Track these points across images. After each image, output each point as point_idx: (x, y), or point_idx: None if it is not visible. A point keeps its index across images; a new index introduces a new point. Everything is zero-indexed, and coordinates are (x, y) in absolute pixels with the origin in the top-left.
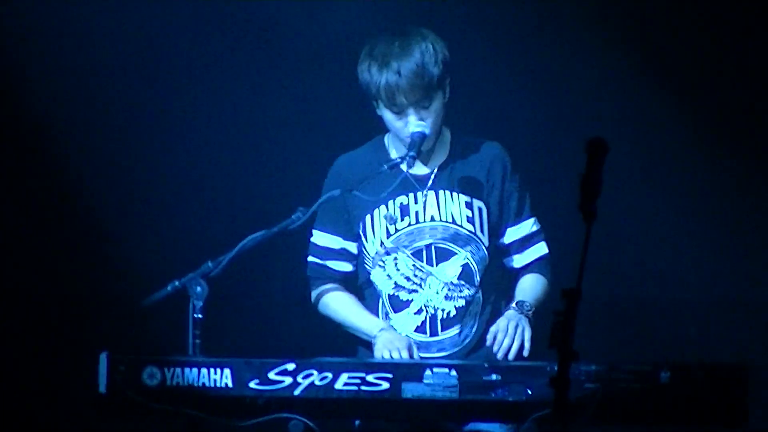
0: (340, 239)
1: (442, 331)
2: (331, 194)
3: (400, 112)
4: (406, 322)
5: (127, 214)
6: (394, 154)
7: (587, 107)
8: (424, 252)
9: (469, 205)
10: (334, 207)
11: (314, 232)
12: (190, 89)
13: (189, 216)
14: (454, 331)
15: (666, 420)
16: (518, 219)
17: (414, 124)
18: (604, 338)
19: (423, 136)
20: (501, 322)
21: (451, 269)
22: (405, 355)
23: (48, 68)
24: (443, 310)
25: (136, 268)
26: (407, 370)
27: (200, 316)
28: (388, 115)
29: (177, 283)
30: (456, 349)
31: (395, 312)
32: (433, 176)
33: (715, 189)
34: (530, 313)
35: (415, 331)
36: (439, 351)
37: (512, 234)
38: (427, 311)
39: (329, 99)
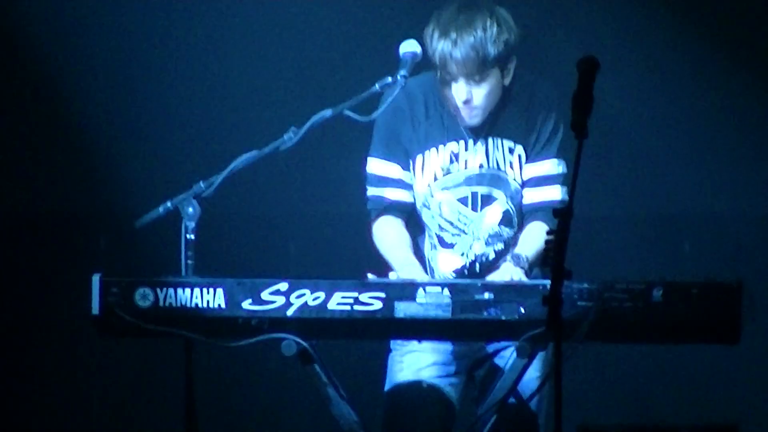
0: (398, 167)
1: (480, 273)
2: (321, 114)
3: (451, 80)
4: (449, 261)
5: (119, 134)
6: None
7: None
8: (470, 198)
9: (511, 151)
10: (390, 134)
11: (369, 159)
12: (183, 11)
13: (181, 136)
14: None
15: (659, 337)
16: (539, 156)
17: (463, 93)
18: (598, 256)
19: (414, 56)
20: (494, 278)
21: (493, 215)
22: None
23: None
24: (483, 255)
25: (129, 190)
26: (400, 290)
27: (192, 236)
28: (441, 79)
29: (169, 204)
30: None
31: (442, 248)
32: (485, 127)
33: (707, 104)
34: (526, 265)
35: (455, 271)
36: None
37: (529, 171)
38: (467, 256)
39: (322, 22)
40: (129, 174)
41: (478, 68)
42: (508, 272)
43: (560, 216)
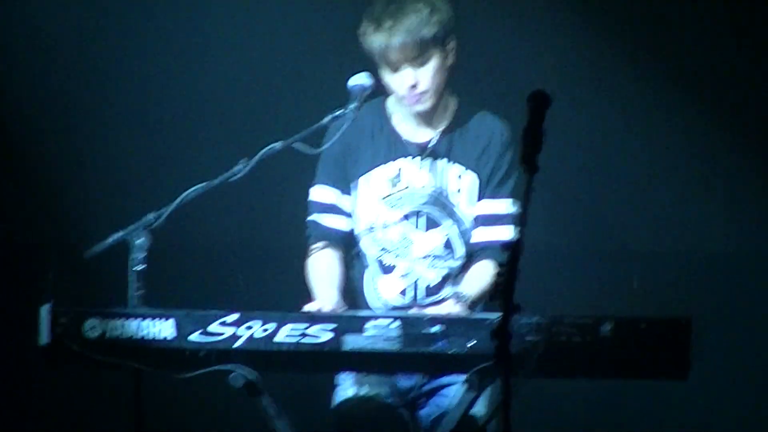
0: (337, 192)
1: (425, 297)
2: (271, 147)
3: (395, 70)
4: (391, 285)
5: (68, 164)
6: (395, 119)
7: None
8: (415, 218)
9: (460, 177)
10: (332, 160)
11: (311, 189)
12: (132, 40)
13: (131, 167)
14: (436, 299)
15: (607, 372)
16: (494, 194)
17: (410, 77)
18: (546, 291)
19: (363, 89)
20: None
21: (435, 238)
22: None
23: None
24: (426, 279)
25: (79, 220)
26: (348, 323)
27: (142, 267)
28: (385, 74)
29: (119, 235)
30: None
31: (383, 274)
32: (432, 143)
33: (656, 140)
34: (467, 303)
35: (400, 293)
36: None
37: (483, 207)
38: (409, 277)
39: (273, 54)
40: (79, 204)
41: (418, 51)
42: (449, 310)
43: (511, 250)
